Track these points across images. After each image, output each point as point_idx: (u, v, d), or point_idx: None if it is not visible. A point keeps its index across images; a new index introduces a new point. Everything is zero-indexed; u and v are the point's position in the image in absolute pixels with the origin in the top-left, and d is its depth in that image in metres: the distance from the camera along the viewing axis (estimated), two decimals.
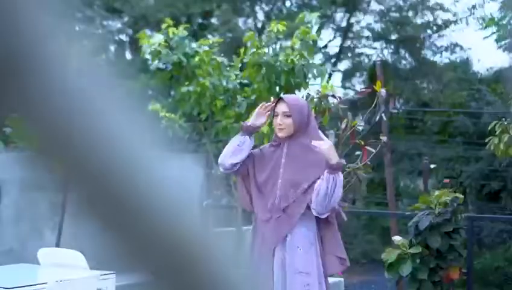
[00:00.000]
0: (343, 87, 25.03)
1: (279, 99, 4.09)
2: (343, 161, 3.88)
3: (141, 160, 0.48)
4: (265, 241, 3.99)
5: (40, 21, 0.49)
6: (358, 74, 25.82)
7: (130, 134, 0.50)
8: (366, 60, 25.16)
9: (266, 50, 7.37)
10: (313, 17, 7.64)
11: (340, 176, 3.83)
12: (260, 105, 4.17)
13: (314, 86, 7.14)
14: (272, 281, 3.93)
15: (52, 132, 0.47)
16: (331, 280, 6.26)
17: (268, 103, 4.13)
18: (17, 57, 0.46)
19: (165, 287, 0.49)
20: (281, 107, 4.04)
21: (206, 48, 7.73)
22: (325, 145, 3.80)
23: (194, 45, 7.74)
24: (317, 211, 3.86)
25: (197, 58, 7.61)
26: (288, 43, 7.65)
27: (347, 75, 25.64)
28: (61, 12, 0.49)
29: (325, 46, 24.12)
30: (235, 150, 4.03)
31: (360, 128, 6.52)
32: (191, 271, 0.48)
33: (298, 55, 7.20)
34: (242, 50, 7.53)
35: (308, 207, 3.92)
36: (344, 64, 26.04)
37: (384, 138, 6.62)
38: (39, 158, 0.50)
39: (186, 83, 7.71)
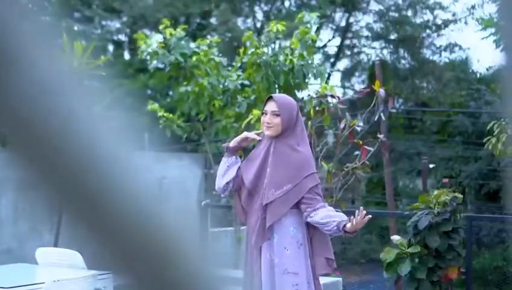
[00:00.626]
0: (343, 87, 25.04)
1: (269, 98, 4.11)
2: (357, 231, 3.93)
3: (123, 161, 0.48)
4: (252, 241, 4.02)
5: (28, 23, 0.48)
6: (357, 74, 25.83)
7: (115, 136, 0.49)
8: (365, 60, 25.16)
9: (265, 50, 7.37)
10: (313, 17, 7.63)
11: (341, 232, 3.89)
12: (247, 133, 4.19)
13: (314, 86, 7.14)
14: (260, 281, 3.94)
15: (38, 133, 0.46)
16: (328, 279, 6.25)
17: (257, 134, 4.16)
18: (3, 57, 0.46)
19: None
20: (270, 106, 4.05)
21: (205, 48, 7.73)
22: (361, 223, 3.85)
23: (192, 45, 7.74)
24: (311, 221, 3.92)
25: (194, 58, 7.61)
26: (288, 43, 7.64)
27: (346, 75, 25.64)
28: (54, 13, 0.49)
29: (324, 46, 24.12)
30: (225, 170, 4.12)
31: (359, 128, 6.52)
32: (177, 273, 0.48)
33: (298, 56, 7.19)
34: (242, 50, 7.52)
35: (297, 207, 3.94)
36: (343, 64, 26.05)
37: (381, 136, 6.62)
38: (19, 158, 0.50)
39: (185, 83, 7.71)
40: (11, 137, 0.45)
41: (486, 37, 14.99)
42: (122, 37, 21.04)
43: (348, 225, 3.79)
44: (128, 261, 0.45)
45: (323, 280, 6.17)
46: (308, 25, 7.59)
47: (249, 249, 4.06)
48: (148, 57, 7.91)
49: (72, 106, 0.45)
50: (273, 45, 7.62)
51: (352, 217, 3.81)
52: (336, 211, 3.99)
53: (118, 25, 20.24)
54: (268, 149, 4.05)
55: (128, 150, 0.47)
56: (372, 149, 6.40)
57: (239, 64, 7.74)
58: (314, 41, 7.45)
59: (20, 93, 0.43)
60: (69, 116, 0.44)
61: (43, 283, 4.36)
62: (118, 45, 20.54)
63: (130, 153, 0.47)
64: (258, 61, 7.16)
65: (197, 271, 0.47)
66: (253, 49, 7.29)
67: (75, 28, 19.18)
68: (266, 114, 4.04)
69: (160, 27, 7.90)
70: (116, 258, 0.46)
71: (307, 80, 7.23)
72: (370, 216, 3.93)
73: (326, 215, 3.87)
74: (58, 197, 0.45)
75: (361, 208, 3.92)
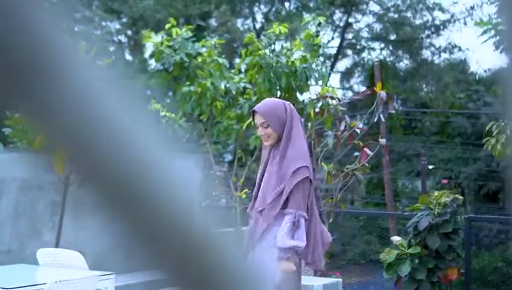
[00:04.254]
0: (342, 88, 25.06)
1: (253, 112, 4.11)
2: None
3: (153, 159, 0.50)
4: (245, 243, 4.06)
5: (50, 22, 0.50)
6: (356, 75, 25.84)
7: (141, 132, 0.51)
8: (365, 61, 25.18)
9: (267, 51, 7.37)
10: (318, 20, 7.62)
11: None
12: None
13: (315, 88, 7.16)
14: None
15: (64, 129, 0.48)
16: (328, 280, 6.27)
17: None
18: (30, 57, 0.47)
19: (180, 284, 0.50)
20: (257, 119, 4.06)
21: (208, 49, 7.73)
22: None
23: (196, 45, 7.74)
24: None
25: (200, 59, 7.61)
26: (288, 44, 7.65)
27: (345, 76, 25.66)
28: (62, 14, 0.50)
29: (324, 47, 24.13)
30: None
31: (358, 130, 6.55)
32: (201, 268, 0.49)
33: (300, 58, 7.20)
34: (244, 52, 7.53)
35: (283, 208, 3.96)
36: (342, 65, 26.06)
37: (382, 141, 6.65)
38: (43, 157, 0.51)
39: (188, 83, 7.72)
40: (57, 141, 0.47)
41: (486, 41, 14.97)
42: (122, 38, 21.06)
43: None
44: (173, 261, 0.47)
45: (323, 281, 6.20)
46: (312, 28, 7.59)
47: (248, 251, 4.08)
48: (151, 57, 7.92)
49: (112, 109, 0.47)
50: (273, 46, 7.62)
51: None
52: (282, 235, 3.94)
53: (118, 26, 20.25)
54: (269, 156, 4.10)
55: (165, 152, 0.49)
56: (371, 153, 6.43)
57: (241, 66, 7.75)
58: (318, 45, 7.46)
59: (67, 102, 0.45)
60: (112, 120, 0.46)
61: (45, 283, 4.37)
62: (118, 45, 20.55)
63: (168, 155, 0.49)
64: (260, 62, 7.17)
65: (235, 271, 0.48)
66: (254, 51, 7.30)
67: (76, 28, 19.18)
68: (258, 128, 4.07)
69: (166, 26, 7.90)
70: (160, 258, 0.47)
71: (308, 83, 7.24)
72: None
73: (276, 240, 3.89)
74: (103, 197, 0.46)
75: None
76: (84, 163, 0.45)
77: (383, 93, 6.52)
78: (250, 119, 7.08)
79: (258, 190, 4.09)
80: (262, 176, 4.09)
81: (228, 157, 18.46)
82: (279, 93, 7.14)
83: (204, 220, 0.49)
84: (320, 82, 7.35)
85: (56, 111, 0.44)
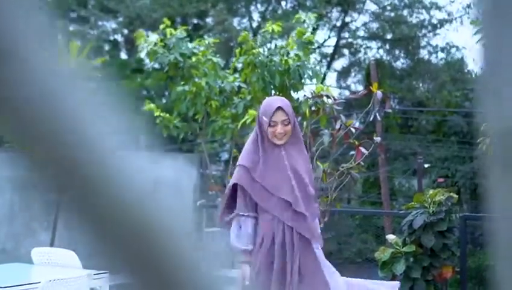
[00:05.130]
0: (339, 86, 25.06)
1: (277, 108, 4.01)
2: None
3: (121, 160, 0.49)
4: (286, 240, 3.94)
5: (30, 19, 0.50)
6: (353, 74, 25.85)
7: (113, 135, 0.50)
8: (362, 60, 25.17)
9: (261, 50, 7.37)
10: (310, 18, 7.63)
11: None
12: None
13: (309, 87, 7.16)
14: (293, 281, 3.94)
15: (38, 133, 0.47)
16: None
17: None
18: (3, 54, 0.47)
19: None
20: (280, 116, 4.00)
21: (203, 48, 7.73)
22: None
23: (190, 45, 7.73)
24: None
25: (194, 59, 7.61)
26: (283, 43, 7.65)
27: (342, 75, 25.66)
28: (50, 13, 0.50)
29: (321, 46, 24.13)
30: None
31: (353, 129, 6.55)
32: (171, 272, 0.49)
33: (294, 56, 7.20)
34: (237, 51, 7.52)
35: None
36: (339, 64, 26.06)
37: (377, 139, 6.64)
38: (25, 157, 0.51)
39: (182, 83, 7.72)
40: (11, 136, 0.46)
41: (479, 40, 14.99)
42: (119, 37, 21.03)
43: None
44: (126, 261, 0.47)
45: None
46: (305, 26, 7.60)
47: (264, 248, 3.95)
48: (147, 56, 7.90)
49: (72, 107, 0.47)
50: (269, 45, 7.63)
51: None
52: None
53: (114, 25, 20.22)
54: (280, 152, 4.02)
55: (125, 150, 0.49)
56: (366, 152, 6.44)
57: (235, 65, 7.74)
58: (311, 43, 7.46)
59: (21, 93, 0.44)
60: (68, 116, 0.46)
61: (39, 282, 4.37)
62: (114, 45, 20.53)
63: (128, 153, 0.49)
64: (254, 61, 7.17)
65: (195, 271, 0.48)
66: (248, 50, 7.30)
67: (71, 28, 19.16)
68: (276, 125, 3.98)
69: (161, 26, 7.89)
70: (114, 257, 0.47)
71: (302, 81, 7.24)
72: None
73: None
74: (57, 195, 0.46)
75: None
76: (41, 158, 0.45)
77: (379, 93, 6.53)
78: (246, 118, 7.09)
79: (280, 187, 3.97)
80: (280, 172, 3.98)
81: (225, 156, 18.45)
82: (273, 92, 7.14)
83: (170, 221, 0.49)
84: (314, 80, 7.35)
85: (13, 102, 0.44)
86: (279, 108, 4.02)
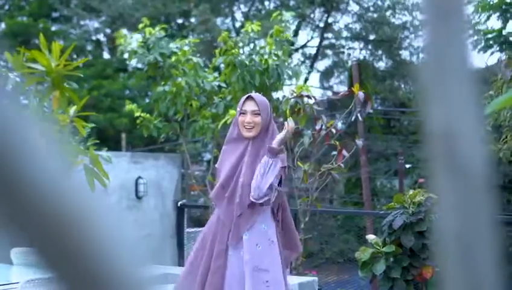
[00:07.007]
0: (322, 87, 25.11)
1: (247, 97, 4.13)
2: (284, 151, 4.03)
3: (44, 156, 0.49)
4: (221, 238, 3.99)
5: None
6: (336, 74, 25.90)
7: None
8: (344, 60, 25.24)
9: (241, 50, 7.38)
10: (289, 17, 7.66)
11: (278, 164, 3.92)
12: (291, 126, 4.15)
13: (290, 87, 7.18)
14: (221, 278, 3.93)
15: None
16: (304, 279, 6.30)
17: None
18: None
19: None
20: (250, 106, 4.06)
21: (184, 48, 7.73)
22: (287, 133, 3.94)
23: (170, 44, 7.73)
24: (253, 196, 3.91)
25: (173, 59, 7.60)
26: (263, 42, 7.66)
27: (325, 75, 25.70)
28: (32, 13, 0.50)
29: (304, 46, 24.17)
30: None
31: (334, 130, 6.58)
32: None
33: (272, 55, 7.22)
34: (217, 51, 7.53)
35: (262, 205, 3.98)
36: (322, 65, 26.11)
37: (359, 142, 6.69)
38: None
39: (162, 83, 7.71)
40: None
41: None
42: (101, 37, 20.93)
43: (274, 141, 3.93)
44: (53, 258, 0.47)
45: (299, 280, 6.23)
46: (283, 24, 7.61)
47: (209, 245, 4.02)
48: (127, 56, 7.89)
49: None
50: (251, 45, 7.63)
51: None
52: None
53: (96, 24, 20.13)
54: (245, 148, 4.06)
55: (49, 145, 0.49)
56: (347, 155, 6.48)
57: (215, 65, 7.74)
58: (289, 41, 7.48)
59: None
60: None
61: (18, 282, 4.35)
62: (97, 44, 20.44)
63: (52, 149, 0.49)
64: (234, 61, 7.18)
65: (123, 271, 0.48)
66: (228, 50, 7.30)
67: (53, 28, 19.05)
68: (245, 114, 4.05)
69: (140, 26, 7.88)
70: (42, 254, 0.47)
71: (282, 81, 7.26)
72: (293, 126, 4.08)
73: (256, 175, 3.95)
74: None
75: (287, 122, 4.05)
76: None
77: (361, 94, 6.57)
78: (226, 118, 7.10)
79: (229, 179, 4.05)
80: (236, 166, 4.04)
81: (207, 156, 18.43)
82: (253, 92, 7.16)
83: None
84: (294, 80, 7.37)
85: None
86: (250, 97, 4.10)
